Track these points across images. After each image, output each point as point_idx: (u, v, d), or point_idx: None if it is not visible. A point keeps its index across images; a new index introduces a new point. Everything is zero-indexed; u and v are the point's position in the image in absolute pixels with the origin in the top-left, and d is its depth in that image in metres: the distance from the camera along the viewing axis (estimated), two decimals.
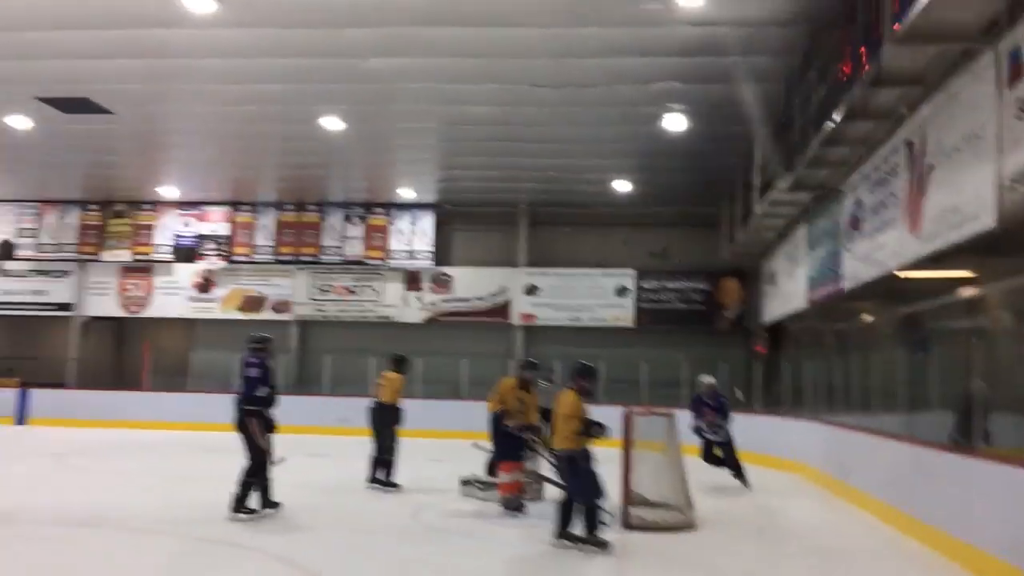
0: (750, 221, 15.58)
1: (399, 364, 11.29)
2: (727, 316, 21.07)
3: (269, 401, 8.70)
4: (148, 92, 13.70)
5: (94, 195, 22.04)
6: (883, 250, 9.73)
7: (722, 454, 11.98)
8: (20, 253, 22.65)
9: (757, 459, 15.12)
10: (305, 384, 21.66)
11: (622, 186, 19.26)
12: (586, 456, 7.46)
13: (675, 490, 8.87)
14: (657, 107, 13.73)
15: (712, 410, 11.91)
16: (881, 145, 9.77)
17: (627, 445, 8.80)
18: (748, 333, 20.66)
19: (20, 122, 15.32)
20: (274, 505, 8.67)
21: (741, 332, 20.91)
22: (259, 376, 8.62)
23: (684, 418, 9.80)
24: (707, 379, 12.33)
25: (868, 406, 10.94)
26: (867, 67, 8.11)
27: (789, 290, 15.66)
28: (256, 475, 8.53)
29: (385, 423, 10.76)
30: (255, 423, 8.55)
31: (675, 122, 14.32)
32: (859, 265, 10.75)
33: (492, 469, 10.32)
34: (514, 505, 9.20)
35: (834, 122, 9.41)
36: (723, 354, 19.98)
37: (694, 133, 14.81)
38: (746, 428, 15.94)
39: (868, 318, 16.06)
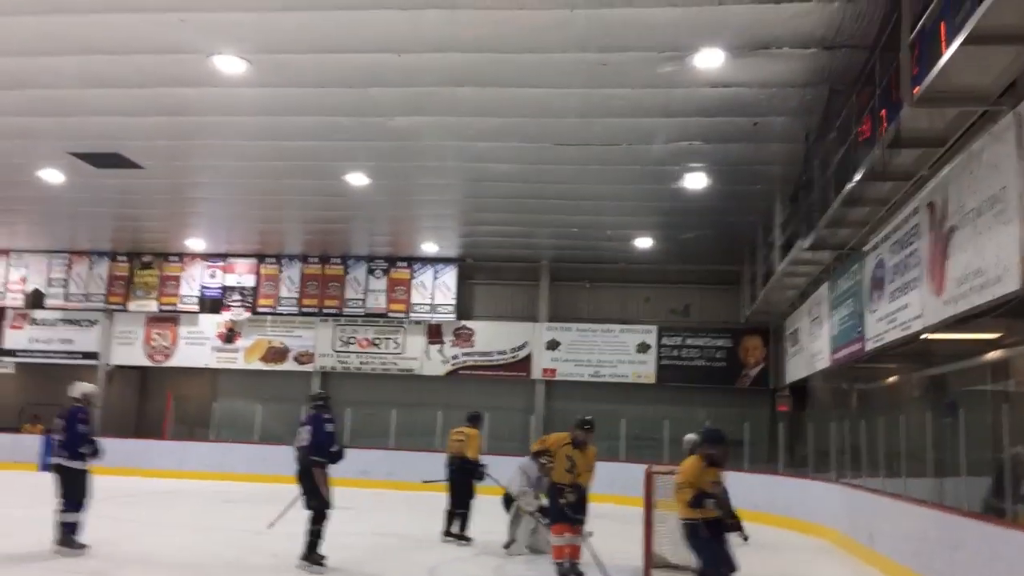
0: (771, 280, 15.52)
1: (475, 420, 11.98)
2: (749, 374, 20.87)
3: (340, 456, 9.18)
4: (177, 148, 13.99)
5: (123, 246, 22.40)
6: (906, 311, 9.63)
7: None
8: (50, 302, 22.97)
9: (782, 521, 14.85)
10: None
11: (643, 243, 19.31)
12: (708, 526, 6.96)
13: None
14: (679, 166, 13.82)
15: None
16: (902, 206, 9.75)
17: (648, 505, 8.68)
18: (771, 392, 20.44)
19: (53, 176, 15.67)
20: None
21: (764, 391, 20.69)
22: (335, 432, 9.24)
23: None
24: (691, 436, 11.99)
25: (894, 469, 10.73)
26: (886, 128, 8.13)
27: (812, 349, 15.51)
28: (320, 524, 8.92)
29: (466, 478, 11.29)
30: (322, 475, 9.01)
31: (696, 180, 14.40)
32: (882, 326, 10.63)
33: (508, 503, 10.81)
34: (567, 571, 8.73)
35: (854, 182, 9.40)
36: (745, 412, 19.75)
37: (715, 191, 14.87)
38: (771, 489, 15.76)
39: (893, 380, 15.88)
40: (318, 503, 8.97)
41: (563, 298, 22.10)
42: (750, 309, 18.84)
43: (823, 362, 14.43)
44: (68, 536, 9.31)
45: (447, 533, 11.23)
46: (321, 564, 8.80)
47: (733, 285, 20.99)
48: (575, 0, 8.80)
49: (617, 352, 21.33)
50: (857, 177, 9.29)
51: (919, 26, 7.04)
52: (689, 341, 21.22)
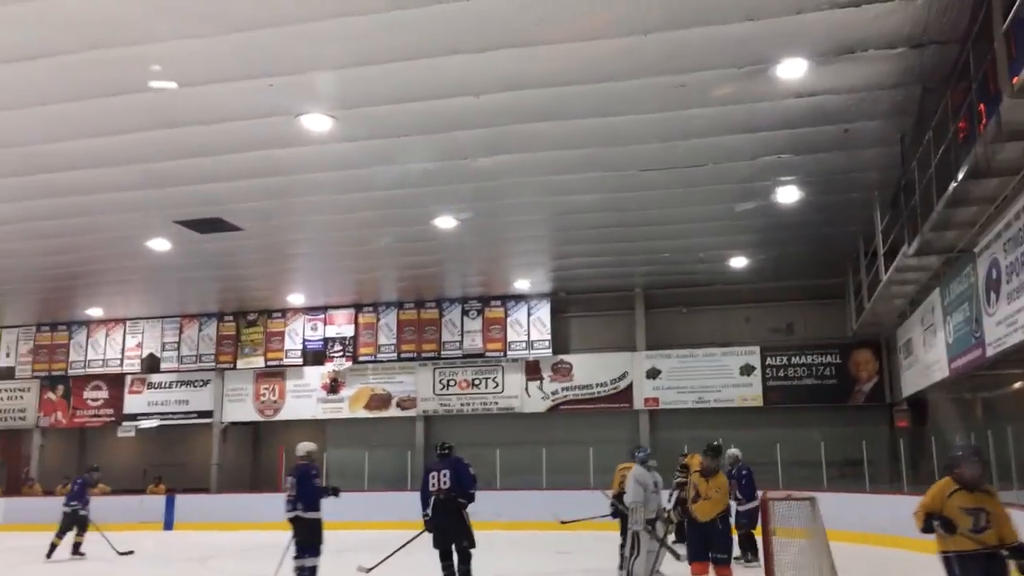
0: (877, 290, 14.94)
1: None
2: (863, 390, 20.07)
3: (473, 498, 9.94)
4: (273, 207, 14.49)
5: (229, 307, 23.25)
6: None
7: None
8: (164, 366, 23.97)
9: (912, 544, 14.09)
10: None
11: (738, 263, 18.91)
12: (964, 559, 5.92)
13: None
14: (768, 181, 13.52)
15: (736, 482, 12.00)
16: (1012, 202, 9.26)
17: (767, 533, 8.35)
18: (888, 407, 19.58)
19: (160, 244, 16.45)
20: None
21: (880, 406, 19.84)
22: (475, 476, 10.05)
23: (822, 500, 9.21)
24: (733, 451, 12.62)
25: None
26: (986, 123, 7.76)
27: (928, 359, 14.80)
28: (470, 563, 9.66)
29: None
30: (467, 514, 9.80)
31: (788, 194, 14.04)
32: (1003, 330, 10.06)
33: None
34: None
35: (957, 182, 8.99)
36: (862, 430, 18.96)
37: (809, 203, 14.47)
38: (896, 510, 14.98)
39: (1020, 385, 14.99)
40: (469, 542, 9.67)
41: (660, 325, 21.79)
42: (857, 322, 18.16)
43: (941, 372, 13.75)
44: None
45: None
46: None
47: (837, 299, 20.31)
48: (648, 25, 8.76)
49: (720, 376, 20.85)
50: (960, 176, 8.89)
51: (1012, 13, 6.72)
52: (795, 360, 20.58)
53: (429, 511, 9.88)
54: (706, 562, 8.59)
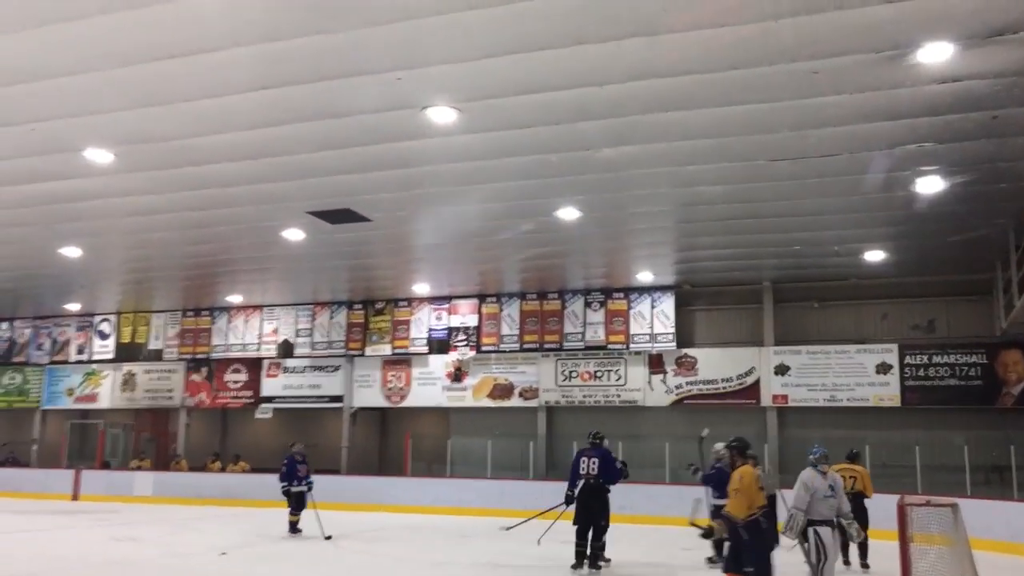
0: None
1: (857, 457, 12.90)
2: (1012, 392, 18.82)
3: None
4: (400, 199, 14.82)
5: (358, 295, 24.00)
6: None
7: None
8: (298, 351, 25.01)
9: None
10: (553, 469, 21.86)
11: (874, 256, 18.06)
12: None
13: None
14: (909, 170, 12.81)
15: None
16: None
17: (904, 539, 7.96)
18: None
19: (294, 234, 17.12)
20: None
21: None
22: (621, 468, 12.08)
23: (965, 507, 8.67)
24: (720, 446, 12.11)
25: None
26: None
27: None
28: (603, 537, 11.56)
29: (863, 515, 11.85)
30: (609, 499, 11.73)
31: (931, 184, 13.29)
32: None
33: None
34: None
35: None
36: (1011, 435, 17.86)
37: (953, 195, 13.65)
38: None
39: None
40: (606, 522, 11.51)
41: (789, 320, 21.10)
42: (1007, 321, 17.02)
43: None
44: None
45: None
46: (608, 560, 11.75)
47: (984, 295, 19.13)
48: (779, 10, 8.43)
49: (854, 374, 20.01)
50: None
51: None
52: (936, 359, 19.51)
53: (575, 491, 11.49)
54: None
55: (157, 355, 26.55)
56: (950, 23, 8.55)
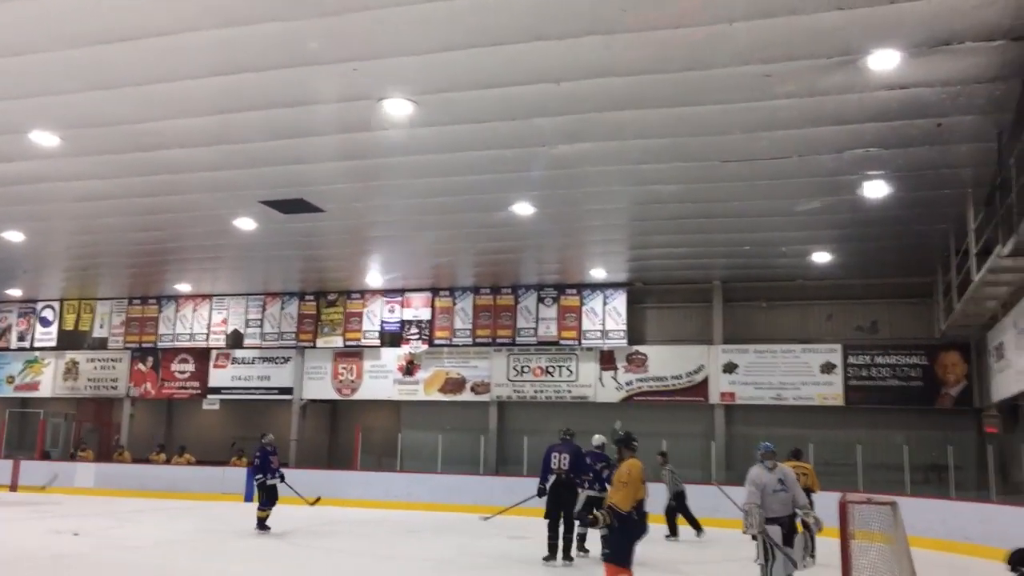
0: (968, 290, 14.37)
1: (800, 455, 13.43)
2: (950, 393, 19.35)
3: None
4: (354, 190, 14.73)
5: (310, 286, 23.80)
6: None
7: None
8: (248, 342, 24.71)
9: (997, 554, 13.54)
10: (504, 464, 21.93)
11: (821, 258, 18.43)
12: None
13: None
14: (856, 175, 13.11)
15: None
16: None
17: (845, 536, 8.14)
18: (976, 412, 18.87)
19: (246, 223, 16.91)
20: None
21: (968, 411, 19.12)
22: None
23: (904, 505, 8.90)
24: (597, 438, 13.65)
25: None
26: None
27: (1021, 364, 14.18)
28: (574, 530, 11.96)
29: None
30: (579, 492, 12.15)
31: (876, 189, 13.60)
32: None
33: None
34: None
35: None
36: (949, 435, 18.36)
37: (898, 199, 13.99)
38: (984, 519, 14.48)
39: None
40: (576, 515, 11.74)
41: (738, 319, 21.43)
42: (946, 323, 17.52)
43: None
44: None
45: None
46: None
47: (925, 298, 19.65)
48: (734, 13, 8.57)
49: (800, 373, 20.40)
50: None
51: None
52: (879, 359, 19.98)
53: (547, 485, 11.89)
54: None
55: (102, 343, 26.03)
56: (898, 31, 8.77)
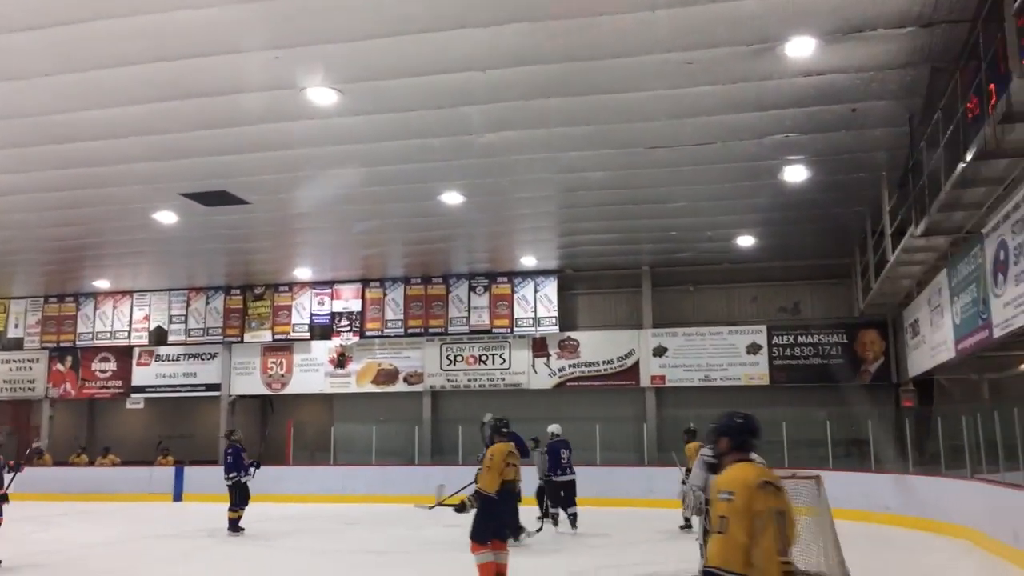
0: (884, 270, 14.90)
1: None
2: (869, 370, 20.05)
3: None
4: (279, 181, 14.47)
5: (236, 280, 23.33)
6: None
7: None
8: (172, 338, 24.11)
9: (916, 523, 14.18)
10: (439, 454, 21.90)
11: (745, 241, 18.86)
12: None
13: (828, 557, 8.36)
14: (777, 159, 13.45)
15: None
16: (1021, 183, 9.19)
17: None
18: (894, 387, 19.58)
19: (167, 217, 16.48)
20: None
21: (886, 386, 19.84)
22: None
23: (828, 479, 9.22)
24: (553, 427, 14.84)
25: None
26: (996, 103, 7.69)
27: (934, 340, 14.78)
28: None
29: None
30: None
31: (795, 173, 13.97)
32: (1010, 311, 10.03)
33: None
34: None
35: (966, 163, 8.93)
36: (868, 410, 18.96)
37: (816, 183, 14.40)
38: (901, 490, 15.07)
39: None
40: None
41: (667, 303, 21.78)
42: (864, 302, 18.13)
43: (947, 353, 13.73)
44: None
45: None
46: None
47: (844, 279, 20.28)
48: (656, 1, 8.68)
49: (727, 355, 20.86)
50: (969, 157, 8.83)
51: None
52: (802, 339, 20.56)
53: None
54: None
55: (17, 344, 25.11)
56: (813, 19, 9.01)
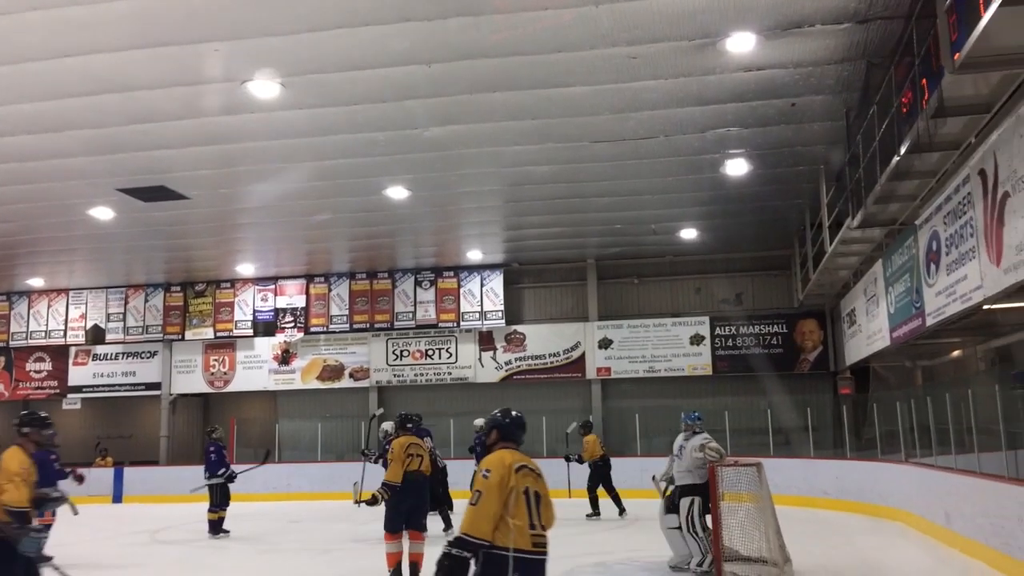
0: (822, 262, 15.25)
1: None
2: (808, 359, 20.51)
3: None
4: (220, 176, 14.22)
5: (176, 277, 22.87)
6: (965, 283, 9.38)
7: None
8: (110, 337, 23.53)
9: (853, 507, 14.57)
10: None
11: (688, 234, 19.12)
12: None
13: (769, 543, 8.56)
14: (718, 153, 13.65)
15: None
16: (952, 176, 9.49)
17: (715, 498, 8.55)
18: (832, 375, 20.07)
19: (103, 213, 16.06)
20: None
21: (824, 374, 20.32)
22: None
23: (769, 466, 9.45)
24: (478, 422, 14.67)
25: (966, 446, 10.44)
26: (928, 98, 7.92)
27: (870, 329, 15.19)
28: None
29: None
30: None
31: (737, 167, 14.20)
32: (942, 300, 10.36)
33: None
34: None
35: (900, 156, 9.18)
36: (807, 398, 19.44)
37: (757, 176, 14.66)
38: (839, 474, 15.46)
39: (957, 354, 15.47)
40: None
41: (612, 295, 21.98)
42: (803, 293, 18.54)
43: (883, 341, 14.13)
44: None
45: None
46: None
47: (784, 270, 20.69)
48: None
49: (671, 346, 21.14)
50: (902, 150, 9.07)
51: None
52: (743, 329, 20.93)
53: None
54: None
55: None
56: (752, 15, 9.16)
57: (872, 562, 10.08)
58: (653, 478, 10.09)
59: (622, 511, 14.55)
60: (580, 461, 15.00)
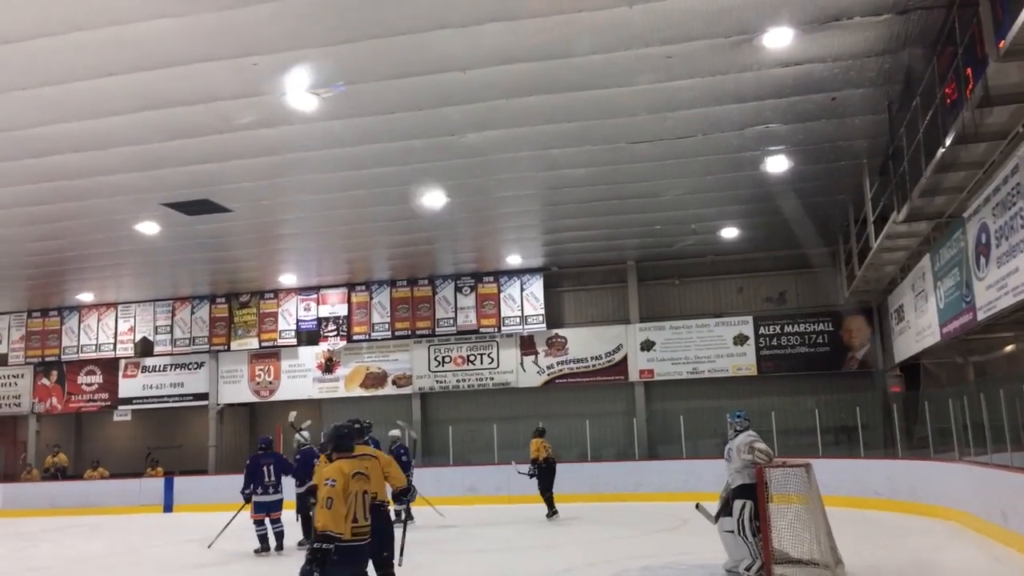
0: (868, 257, 14.98)
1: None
2: (856, 357, 20.17)
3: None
4: (261, 188, 14.41)
5: (221, 288, 23.21)
6: (1016, 275, 9.14)
7: None
8: (158, 349, 23.96)
9: (906, 507, 14.28)
10: (428, 456, 21.87)
11: (730, 233, 18.92)
12: None
13: (820, 544, 8.43)
14: (758, 151, 13.50)
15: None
16: (1000, 166, 9.27)
17: (763, 500, 8.43)
18: (881, 373, 19.71)
19: (149, 227, 16.37)
20: None
21: (873, 372, 19.97)
22: None
23: (818, 466, 9.28)
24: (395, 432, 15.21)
25: (1022, 443, 10.18)
26: (973, 87, 7.75)
27: (919, 325, 14.88)
28: None
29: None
30: None
31: (777, 164, 14.03)
32: (993, 293, 10.11)
33: None
34: None
35: (945, 147, 8.99)
36: (856, 397, 19.10)
37: (798, 173, 14.46)
38: (891, 474, 15.17)
39: (1011, 349, 15.09)
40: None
41: (653, 297, 21.84)
42: (849, 290, 18.24)
43: (933, 337, 13.83)
44: None
45: None
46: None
47: (829, 267, 20.38)
48: None
49: (714, 347, 20.93)
50: (948, 142, 8.89)
51: None
52: (788, 328, 20.66)
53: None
54: None
55: (1, 359, 24.87)
56: (790, 9, 9.05)
57: (927, 562, 9.86)
58: (697, 506, 9.53)
59: (551, 514, 15.16)
60: (531, 475, 15.36)
